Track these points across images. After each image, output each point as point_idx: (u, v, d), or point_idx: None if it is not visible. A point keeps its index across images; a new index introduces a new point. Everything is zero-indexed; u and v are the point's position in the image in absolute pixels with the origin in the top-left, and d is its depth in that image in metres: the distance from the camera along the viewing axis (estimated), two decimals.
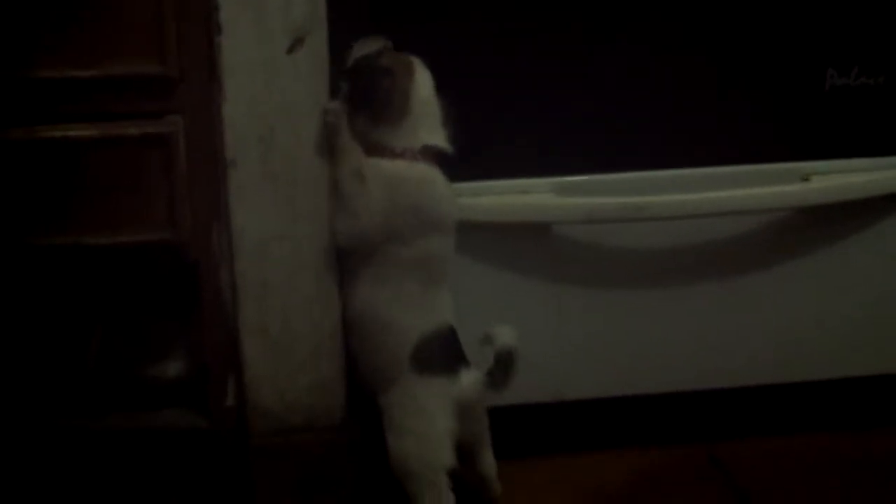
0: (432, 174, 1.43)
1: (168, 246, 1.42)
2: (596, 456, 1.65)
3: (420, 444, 1.43)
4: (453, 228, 1.45)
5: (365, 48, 1.43)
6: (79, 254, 1.42)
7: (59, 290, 1.54)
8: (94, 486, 1.47)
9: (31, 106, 1.37)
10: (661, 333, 1.64)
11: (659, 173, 1.60)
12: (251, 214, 1.43)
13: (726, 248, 1.63)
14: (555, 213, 1.58)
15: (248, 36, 1.38)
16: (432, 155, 1.43)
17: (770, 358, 1.67)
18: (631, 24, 1.56)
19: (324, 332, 1.47)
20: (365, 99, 1.41)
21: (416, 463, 1.43)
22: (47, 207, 1.39)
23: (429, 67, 1.44)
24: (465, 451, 1.46)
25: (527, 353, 1.45)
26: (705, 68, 1.59)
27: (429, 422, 1.43)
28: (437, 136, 1.43)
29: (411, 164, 1.41)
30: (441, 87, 1.44)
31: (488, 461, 1.52)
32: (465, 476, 1.47)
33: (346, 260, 1.44)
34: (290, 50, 1.39)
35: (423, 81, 1.42)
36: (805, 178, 1.62)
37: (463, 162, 1.45)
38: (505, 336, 1.44)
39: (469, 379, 1.44)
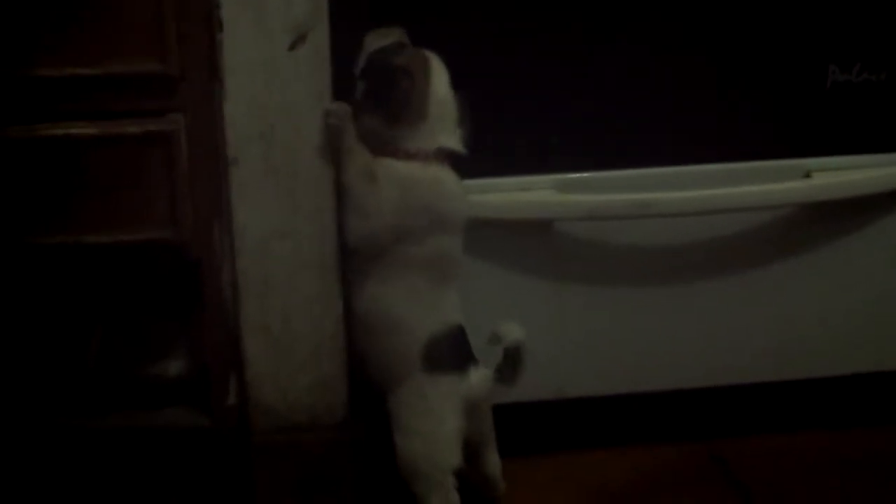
0: (445, 176, 1.42)
1: (169, 244, 1.41)
2: (598, 453, 1.65)
3: (429, 444, 1.43)
4: (463, 228, 1.45)
5: (379, 41, 1.42)
6: (79, 253, 1.41)
7: (59, 289, 1.53)
8: (96, 486, 1.46)
9: (32, 104, 1.36)
10: (662, 331, 1.64)
11: (661, 170, 1.60)
12: (253, 212, 1.42)
13: (728, 244, 1.63)
14: (556, 210, 1.58)
15: (249, 33, 1.37)
16: (445, 155, 1.42)
17: (772, 355, 1.67)
18: (633, 21, 1.56)
19: (326, 330, 1.47)
20: (382, 100, 1.40)
21: (424, 463, 1.43)
22: (48, 206, 1.39)
23: None
24: (470, 450, 1.46)
25: (528, 350, 1.45)
26: (707, 65, 1.59)
27: (438, 421, 1.42)
28: (453, 137, 1.42)
29: (424, 165, 1.40)
30: None
31: (493, 460, 1.51)
32: (469, 475, 1.47)
33: (355, 258, 1.44)
34: (292, 47, 1.38)
35: (440, 80, 1.41)
36: (807, 175, 1.62)
37: (465, 159, 1.44)
38: (514, 332, 1.43)
39: (478, 377, 1.44)
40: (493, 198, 1.55)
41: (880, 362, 1.70)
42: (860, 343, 1.68)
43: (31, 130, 1.36)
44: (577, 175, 1.59)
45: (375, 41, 1.43)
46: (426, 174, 1.41)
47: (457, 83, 1.43)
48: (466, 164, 1.46)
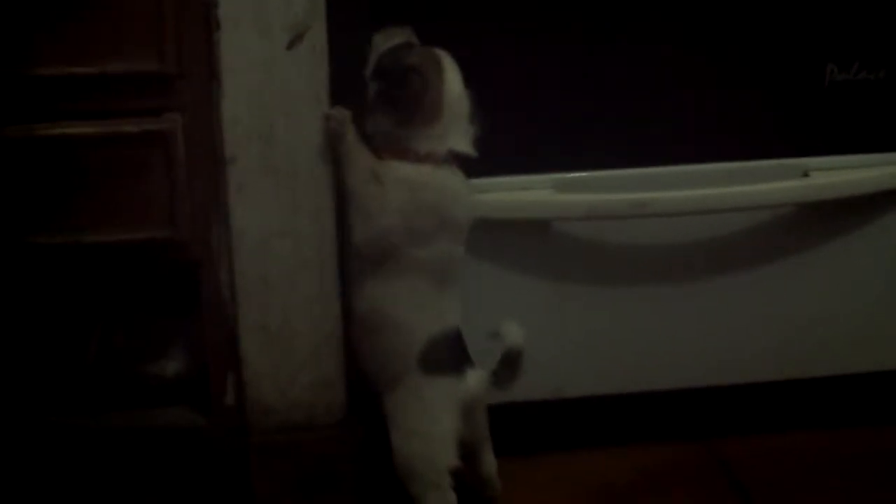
0: (454, 180, 1.42)
1: (167, 244, 1.42)
2: (597, 453, 1.65)
3: (425, 444, 1.42)
4: (466, 232, 1.45)
5: (388, 41, 1.42)
6: (78, 252, 1.41)
7: (58, 288, 1.53)
8: (94, 485, 1.46)
9: (30, 104, 1.36)
10: (661, 330, 1.64)
11: (659, 170, 1.60)
12: (251, 211, 1.42)
13: (726, 244, 1.63)
14: (555, 209, 1.58)
15: (247, 32, 1.37)
16: (455, 158, 1.42)
17: (771, 354, 1.67)
18: (631, 20, 1.56)
19: (325, 329, 1.47)
20: (394, 101, 1.40)
21: (420, 463, 1.43)
22: (46, 205, 1.39)
23: None
24: (466, 451, 1.45)
25: (526, 349, 1.45)
26: (705, 64, 1.59)
27: (435, 422, 1.42)
28: (465, 139, 1.41)
29: (434, 168, 1.40)
30: None
31: (489, 460, 1.51)
32: (465, 475, 1.47)
33: (357, 259, 1.43)
34: (290, 46, 1.38)
35: (453, 79, 1.41)
36: (805, 174, 1.62)
37: (464, 158, 1.44)
38: (513, 335, 1.43)
39: (475, 378, 1.44)
40: (491, 197, 1.55)
41: (880, 362, 1.70)
42: (859, 342, 1.68)
43: (29, 130, 1.37)
44: (576, 174, 1.59)
45: (385, 41, 1.43)
46: (435, 178, 1.40)
47: None
48: (465, 164, 1.45)
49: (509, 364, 1.43)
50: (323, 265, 1.45)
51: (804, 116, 1.62)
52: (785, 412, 1.72)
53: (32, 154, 1.37)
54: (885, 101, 1.62)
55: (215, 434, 1.47)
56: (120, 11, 1.35)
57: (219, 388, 1.47)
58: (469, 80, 1.44)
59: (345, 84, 1.42)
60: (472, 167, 1.47)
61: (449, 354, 1.43)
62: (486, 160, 1.48)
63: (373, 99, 1.42)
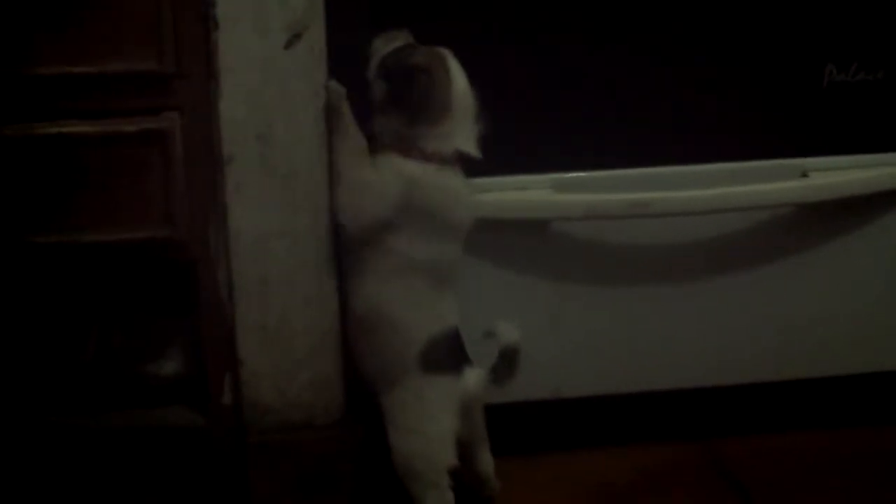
0: (456, 182, 1.42)
1: (166, 243, 1.42)
2: (597, 453, 1.65)
3: (424, 443, 1.42)
4: (465, 234, 1.45)
5: (388, 44, 1.42)
6: (76, 251, 1.41)
7: (56, 287, 1.53)
8: (91, 485, 1.46)
9: (29, 103, 1.36)
10: (659, 330, 1.63)
11: (657, 170, 1.60)
12: (249, 211, 1.42)
13: (725, 244, 1.62)
14: (553, 209, 1.58)
15: (245, 31, 1.37)
16: (459, 159, 1.42)
17: (770, 355, 1.67)
18: (629, 20, 1.56)
19: (323, 328, 1.47)
20: (403, 101, 1.40)
21: (419, 463, 1.42)
22: (44, 204, 1.39)
23: None
24: (463, 450, 1.45)
25: (525, 349, 1.45)
26: (704, 65, 1.59)
27: (433, 421, 1.42)
28: (470, 140, 1.41)
29: (438, 168, 1.40)
30: None
31: (486, 459, 1.51)
32: (463, 474, 1.47)
33: (355, 257, 1.43)
34: (288, 45, 1.38)
35: (459, 79, 1.41)
36: (804, 175, 1.62)
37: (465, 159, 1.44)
38: (509, 333, 1.43)
39: (473, 377, 1.44)
40: (490, 197, 1.55)
41: (879, 362, 1.70)
42: (858, 343, 1.67)
43: (27, 129, 1.36)
44: (575, 174, 1.59)
45: (385, 44, 1.43)
46: (438, 177, 1.41)
47: None
48: (463, 164, 1.45)
49: (506, 362, 1.43)
50: (321, 265, 1.45)
51: (803, 117, 1.63)
52: (784, 412, 1.72)
53: (31, 153, 1.37)
54: (883, 101, 1.62)
55: (213, 434, 1.47)
56: (119, 11, 1.35)
57: (217, 388, 1.46)
58: (468, 80, 1.44)
59: (344, 83, 1.42)
60: (471, 167, 1.47)
61: (447, 354, 1.43)
62: (485, 160, 1.48)
63: (378, 101, 1.42)
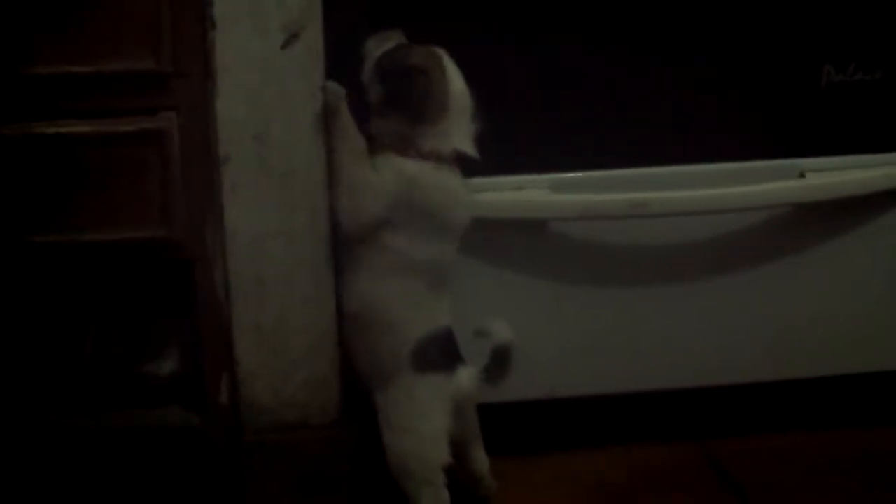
0: (453, 182, 1.43)
1: (163, 243, 1.42)
2: (594, 453, 1.65)
3: (418, 442, 1.42)
4: (460, 235, 1.45)
5: (381, 45, 1.43)
6: (73, 251, 1.41)
7: (53, 287, 1.53)
8: (88, 484, 1.46)
9: (28, 102, 1.36)
10: (656, 330, 1.63)
11: (655, 170, 1.60)
12: (246, 211, 1.42)
13: (722, 244, 1.62)
14: (551, 209, 1.58)
15: (242, 31, 1.38)
16: (457, 159, 1.42)
17: (767, 355, 1.66)
18: (627, 20, 1.56)
19: (320, 328, 1.47)
20: (401, 102, 1.40)
21: (414, 461, 1.43)
22: (42, 204, 1.39)
23: None
24: (457, 449, 1.45)
25: (522, 349, 1.45)
26: (701, 65, 1.59)
27: (427, 420, 1.43)
28: (468, 139, 1.42)
29: (436, 168, 1.41)
30: None
31: (480, 458, 1.51)
32: (457, 474, 1.47)
33: (350, 254, 1.43)
34: (286, 45, 1.39)
35: (455, 77, 1.41)
36: (801, 175, 1.61)
37: (462, 158, 1.44)
38: (501, 331, 1.43)
39: (466, 376, 1.44)
40: (487, 197, 1.55)
41: (876, 362, 1.69)
42: (855, 343, 1.67)
43: (25, 128, 1.37)
44: (572, 174, 1.59)
45: (378, 46, 1.43)
46: (435, 176, 1.41)
47: None
48: (462, 163, 1.46)
49: (499, 361, 1.43)
50: (318, 265, 1.45)
51: (801, 117, 1.63)
52: (782, 412, 1.72)
53: (29, 152, 1.37)
54: (881, 101, 1.62)
55: (210, 433, 1.47)
56: (118, 11, 1.35)
57: (213, 388, 1.47)
58: (466, 79, 1.44)
59: (341, 83, 1.42)
60: (468, 166, 1.47)
61: (440, 353, 1.43)
62: (483, 159, 1.48)
63: (376, 102, 1.42)
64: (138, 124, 1.38)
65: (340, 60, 1.43)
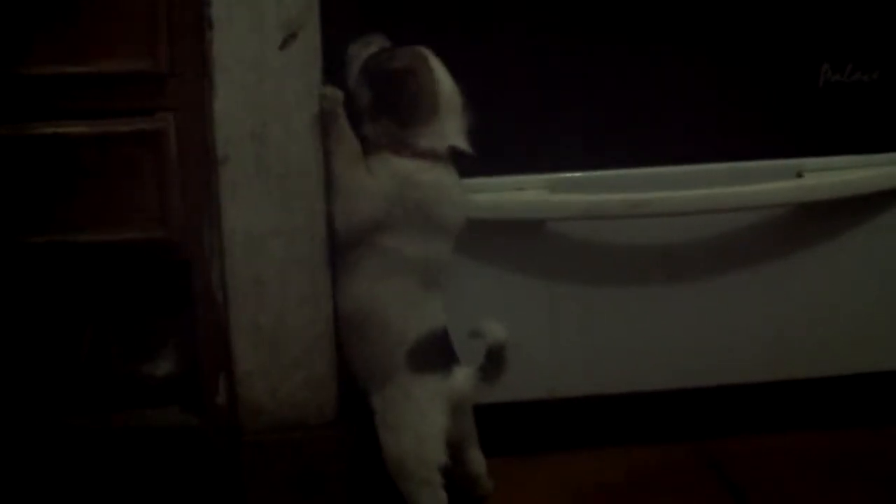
0: (448, 179, 1.43)
1: (160, 243, 1.42)
2: (592, 453, 1.64)
3: (415, 441, 1.42)
4: (457, 234, 1.45)
5: (365, 49, 1.43)
6: (70, 252, 1.42)
7: (50, 288, 1.53)
8: (87, 485, 1.46)
9: (25, 102, 1.37)
10: (655, 331, 1.63)
11: (653, 170, 1.60)
12: (244, 211, 1.42)
13: (720, 244, 1.62)
14: (549, 209, 1.58)
15: (239, 31, 1.38)
16: (451, 156, 1.42)
17: (766, 355, 1.66)
18: (626, 20, 1.56)
19: (317, 328, 1.47)
20: (391, 105, 1.40)
21: (411, 461, 1.43)
22: (38, 205, 1.39)
23: None
24: (453, 449, 1.45)
25: (521, 349, 1.45)
26: (700, 65, 1.59)
27: (423, 419, 1.43)
28: (461, 135, 1.42)
29: (431, 166, 1.41)
30: None
31: (477, 458, 1.51)
32: (454, 474, 1.47)
33: (346, 255, 1.43)
34: (284, 45, 1.39)
35: (443, 76, 1.42)
36: (799, 175, 1.61)
37: (459, 158, 1.44)
38: (496, 331, 1.43)
39: (462, 375, 1.44)
40: (485, 197, 1.55)
41: (877, 362, 1.69)
42: (854, 343, 1.67)
43: (21, 129, 1.37)
44: (570, 175, 1.59)
45: (361, 50, 1.44)
46: (429, 176, 1.41)
47: None
48: (459, 164, 1.46)
49: (494, 360, 1.43)
50: (315, 265, 1.45)
51: (799, 117, 1.62)
52: (781, 412, 1.72)
53: (26, 153, 1.38)
54: (879, 101, 1.62)
55: (207, 434, 1.47)
56: (115, 11, 1.35)
57: (211, 388, 1.47)
58: (464, 80, 1.44)
59: (338, 83, 1.42)
60: (466, 167, 1.47)
61: (435, 353, 1.43)
62: (481, 160, 1.48)
63: (366, 106, 1.42)
64: (136, 125, 1.38)
65: (339, 60, 1.43)
